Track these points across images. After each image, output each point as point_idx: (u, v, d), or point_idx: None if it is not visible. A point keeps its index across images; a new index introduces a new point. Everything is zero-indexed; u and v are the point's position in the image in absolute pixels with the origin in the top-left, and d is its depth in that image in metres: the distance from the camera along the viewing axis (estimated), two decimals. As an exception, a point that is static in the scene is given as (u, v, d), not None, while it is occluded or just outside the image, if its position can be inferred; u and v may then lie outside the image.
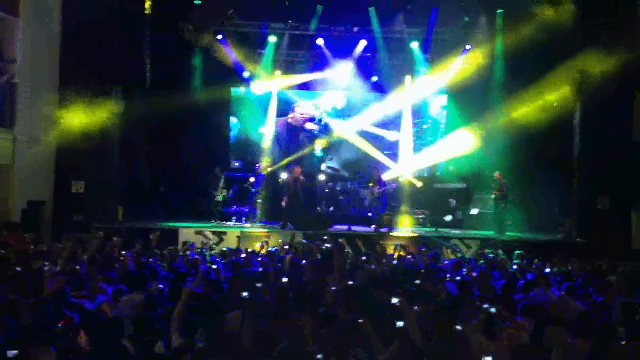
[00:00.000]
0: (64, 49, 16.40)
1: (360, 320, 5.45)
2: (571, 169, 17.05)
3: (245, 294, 6.83)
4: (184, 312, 5.94)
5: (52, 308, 6.18)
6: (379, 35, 19.55)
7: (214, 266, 9.20)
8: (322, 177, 19.21)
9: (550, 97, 16.85)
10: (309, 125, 20.73)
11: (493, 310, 6.19)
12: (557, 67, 16.85)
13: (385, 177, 18.04)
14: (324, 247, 12.07)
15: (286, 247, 12.45)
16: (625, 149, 16.49)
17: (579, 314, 7.11)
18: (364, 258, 10.85)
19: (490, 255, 12.57)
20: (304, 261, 9.72)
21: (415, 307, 6.24)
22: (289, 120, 20.76)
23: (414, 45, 19.55)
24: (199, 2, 17.97)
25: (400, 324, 5.40)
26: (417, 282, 8.15)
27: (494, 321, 5.92)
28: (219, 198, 17.69)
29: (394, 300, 6.07)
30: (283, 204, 17.00)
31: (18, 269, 8.10)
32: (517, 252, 12.45)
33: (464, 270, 9.95)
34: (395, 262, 10.85)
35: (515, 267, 10.89)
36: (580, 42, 16.02)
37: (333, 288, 7.39)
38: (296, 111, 20.76)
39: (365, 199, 18.67)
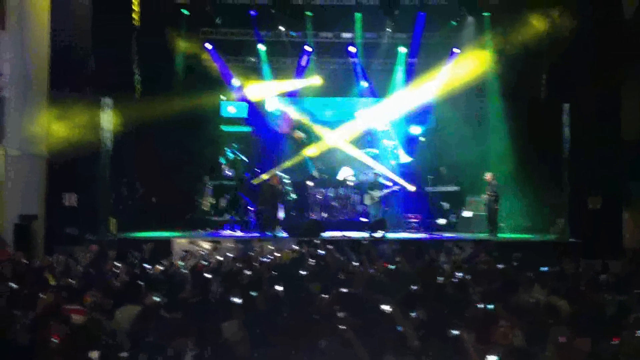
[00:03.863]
0: (53, 61, 16.36)
1: (344, 327, 5.45)
2: (561, 169, 17.13)
3: (238, 300, 6.84)
4: None
5: (46, 323, 6.16)
6: (367, 41, 19.64)
7: (207, 275, 9.19)
8: (311, 183, 19.23)
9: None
10: (296, 134, 20.71)
11: (490, 307, 6.21)
12: (546, 69, 17.04)
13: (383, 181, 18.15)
14: (317, 254, 12.08)
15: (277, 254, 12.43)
16: (614, 147, 16.60)
17: (573, 314, 7.15)
18: (356, 264, 10.85)
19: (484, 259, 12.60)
20: (304, 272, 9.68)
21: (413, 314, 6.25)
22: (277, 128, 20.76)
23: (402, 50, 19.68)
24: (187, 12, 18.00)
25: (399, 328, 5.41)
26: (414, 287, 8.15)
27: (490, 322, 5.95)
28: (206, 207, 17.71)
29: (384, 307, 6.08)
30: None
31: (13, 285, 8.07)
32: (514, 254, 12.50)
33: (461, 273, 9.96)
34: (389, 267, 10.85)
35: (509, 268, 10.93)
36: (571, 50, 16.11)
37: (324, 296, 7.39)
38: (284, 119, 20.77)
39: (358, 204, 18.66)
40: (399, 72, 20.12)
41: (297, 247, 14.14)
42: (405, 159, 19.85)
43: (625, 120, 16.90)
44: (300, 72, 20.36)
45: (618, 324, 6.46)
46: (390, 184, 18.49)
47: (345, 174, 19.66)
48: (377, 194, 17.49)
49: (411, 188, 18.38)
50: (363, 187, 18.68)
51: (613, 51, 16.25)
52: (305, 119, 20.70)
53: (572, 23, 15.82)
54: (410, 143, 20.20)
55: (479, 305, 6.47)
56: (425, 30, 19.28)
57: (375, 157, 20.01)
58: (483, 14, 18.19)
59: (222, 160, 19.97)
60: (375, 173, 18.20)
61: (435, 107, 20.43)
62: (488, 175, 17.09)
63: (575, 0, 16.24)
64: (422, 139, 20.04)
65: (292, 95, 20.81)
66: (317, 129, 20.47)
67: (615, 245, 15.58)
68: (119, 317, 7.01)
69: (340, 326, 5.48)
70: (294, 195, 18.42)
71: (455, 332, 5.37)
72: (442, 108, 20.24)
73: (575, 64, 16.09)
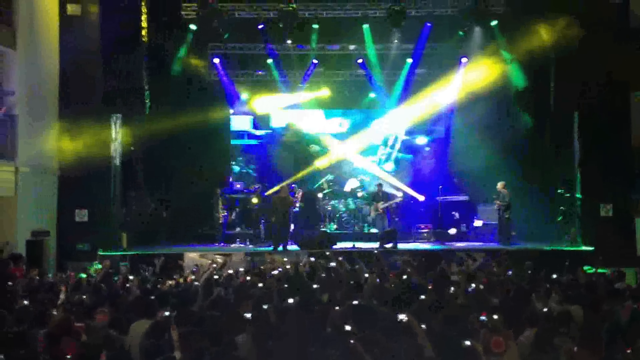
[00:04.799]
0: (63, 78, 16.51)
1: (352, 342, 5.42)
2: (573, 178, 17.06)
3: (248, 315, 6.83)
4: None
5: (59, 339, 6.17)
6: (374, 53, 19.67)
7: (218, 288, 9.19)
8: (321, 195, 19.23)
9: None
10: (312, 148, 20.76)
11: (483, 319, 6.19)
12: (555, 77, 17.02)
13: (389, 192, 18.12)
14: (328, 266, 12.05)
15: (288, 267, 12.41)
16: (625, 155, 16.54)
17: (587, 322, 7.10)
18: (367, 275, 10.80)
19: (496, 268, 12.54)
20: (315, 285, 9.64)
21: (423, 326, 6.22)
22: (285, 140, 20.86)
23: (410, 61, 19.71)
24: (194, 27, 18.08)
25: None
26: (423, 297, 8.12)
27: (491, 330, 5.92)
28: (220, 220, 17.74)
29: (401, 317, 6.05)
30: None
31: (25, 302, 8.09)
32: (527, 262, 12.44)
33: (473, 283, 9.91)
34: (401, 277, 10.81)
35: (522, 277, 10.87)
36: (580, 57, 16.09)
37: (337, 308, 7.36)
38: (291, 130, 20.82)
39: (369, 215, 18.63)
40: (407, 83, 20.11)
41: (308, 260, 14.13)
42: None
43: (635, 127, 16.83)
44: (304, 80, 20.47)
45: (632, 332, 6.42)
46: (399, 194, 18.46)
47: (352, 185, 19.67)
48: (380, 205, 17.44)
49: (420, 198, 18.33)
50: (368, 198, 18.66)
51: (621, 58, 16.22)
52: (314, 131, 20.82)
53: (580, 31, 15.79)
54: (415, 152, 20.23)
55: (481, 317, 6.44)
56: (433, 41, 19.30)
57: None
58: (490, 23, 18.13)
59: (233, 172, 20.12)
60: (379, 184, 18.15)
61: (444, 116, 20.47)
62: (499, 185, 17.04)
63: (583, 7, 16.19)
64: (427, 149, 20.12)
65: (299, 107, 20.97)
66: (327, 140, 20.53)
67: (628, 253, 15.46)
68: (132, 332, 7.02)
69: (350, 340, 5.46)
70: (304, 208, 18.43)
71: (467, 342, 5.34)
72: (451, 117, 20.28)
73: (583, 72, 16.05)
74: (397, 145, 20.45)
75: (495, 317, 6.31)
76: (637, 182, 16.77)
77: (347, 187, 19.74)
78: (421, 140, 20.61)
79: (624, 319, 7.29)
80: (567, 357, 5.35)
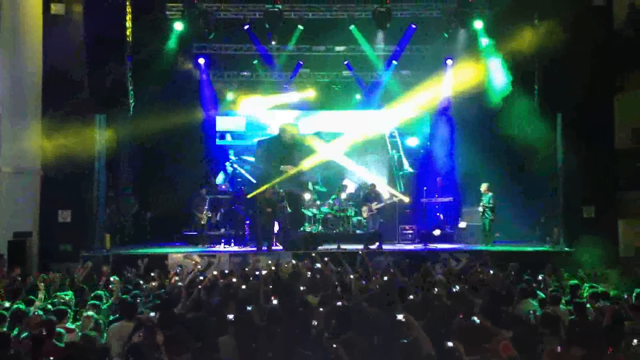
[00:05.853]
0: (46, 78, 16.37)
1: (335, 346, 5.43)
2: (556, 179, 17.16)
3: (231, 316, 6.81)
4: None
5: (40, 341, 6.12)
6: (360, 54, 19.71)
7: (201, 289, 9.14)
8: (307, 196, 19.19)
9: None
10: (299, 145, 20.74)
11: (477, 320, 6.21)
12: (539, 79, 17.11)
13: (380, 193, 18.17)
14: (314, 267, 12.03)
15: (272, 268, 12.38)
16: (608, 156, 16.66)
17: (569, 324, 7.15)
18: (352, 276, 10.80)
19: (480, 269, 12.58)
20: (302, 287, 9.62)
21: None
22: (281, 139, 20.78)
23: (395, 62, 19.79)
24: (180, 27, 17.99)
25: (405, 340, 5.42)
26: (411, 297, 8.15)
27: (480, 334, 5.93)
28: (203, 221, 17.69)
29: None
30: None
31: (7, 304, 8.02)
32: (511, 264, 12.49)
33: (457, 284, 9.94)
34: (385, 278, 10.82)
35: (505, 278, 10.92)
36: (563, 60, 16.19)
37: (321, 309, 7.36)
38: (287, 131, 20.70)
39: (358, 216, 18.60)
40: (392, 84, 20.19)
41: (293, 261, 14.11)
42: (408, 168, 19.91)
43: (618, 129, 16.96)
44: (290, 81, 20.48)
45: (615, 333, 6.46)
46: (388, 195, 18.50)
47: (346, 185, 19.64)
48: (374, 205, 17.47)
49: (406, 199, 18.40)
50: (360, 199, 18.65)
51: (604, 61, 16.38)
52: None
53: (564, 33, 15.90)
54: (411, 154, 20.27)
55: (470, 318, 6.46)
56: (418, 43, 19.39)
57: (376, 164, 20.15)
58: (474, 25, 18.18)
59: (220, 174, 20.03)
60: (372, 184, 18.18)
61: (430, 117, 20.56)
62: (483, 186, 17.11)
63: (567, 9, 16.28)
64: (421, 151, 20.16)
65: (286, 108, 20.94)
66: (313, 141, 20.48)
67: (611, 254, 15.54)
68: (110, 334, 6.99)
69: (332, 344, 5.46)
70: (289, 209, 18.36)
71: (450, 344, 5.35)
72: (437, 118, 20.37)
73: (567, 74, 16.14)
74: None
75: (476, 319, 6.34)
76: (619, 183, 16.91)
77: (345, 183, 19.69)
78: (413, 141, 20.68)
79: (607, 321, 7.34)
80: (550, 358, 5.37)
